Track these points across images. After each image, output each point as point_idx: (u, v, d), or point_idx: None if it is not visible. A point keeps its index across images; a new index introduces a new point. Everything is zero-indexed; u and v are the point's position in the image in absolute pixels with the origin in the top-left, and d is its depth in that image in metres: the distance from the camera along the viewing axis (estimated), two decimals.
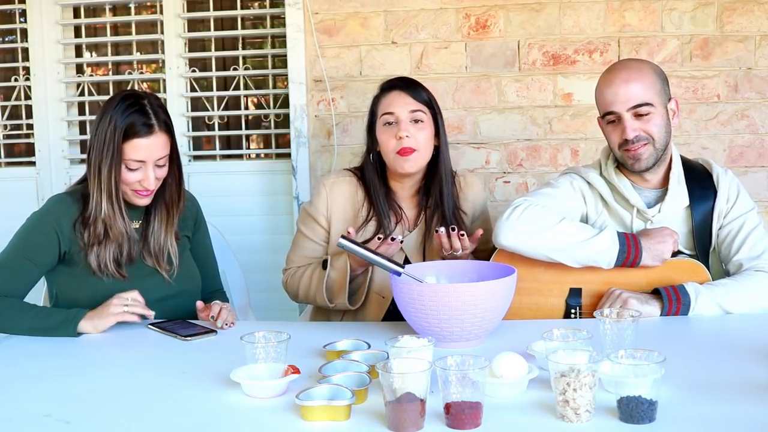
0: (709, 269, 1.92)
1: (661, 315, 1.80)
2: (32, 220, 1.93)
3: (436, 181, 2.13)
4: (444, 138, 2.13)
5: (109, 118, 1.87)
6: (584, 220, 2.03)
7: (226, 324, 1.85)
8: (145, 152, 1.88)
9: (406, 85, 2.12)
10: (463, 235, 1.96)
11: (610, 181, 2.02)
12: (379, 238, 1.97)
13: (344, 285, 2.01)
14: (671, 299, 1.80)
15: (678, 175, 1.99)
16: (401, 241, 2.03)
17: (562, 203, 1.99)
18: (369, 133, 2.16)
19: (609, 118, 1.94)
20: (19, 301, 1.87)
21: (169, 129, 1.93)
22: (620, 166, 2.02)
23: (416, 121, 2.07)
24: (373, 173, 2.13)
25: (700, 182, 2.00)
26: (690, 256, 1.97)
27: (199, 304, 1.92)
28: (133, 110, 1.88)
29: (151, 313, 1.86)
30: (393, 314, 1.98)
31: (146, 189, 1.91)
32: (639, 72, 1.92)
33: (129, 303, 1.83)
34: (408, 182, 2.15)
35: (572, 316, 1.92)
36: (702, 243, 1.97)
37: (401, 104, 2.08)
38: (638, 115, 1.90)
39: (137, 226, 1.98)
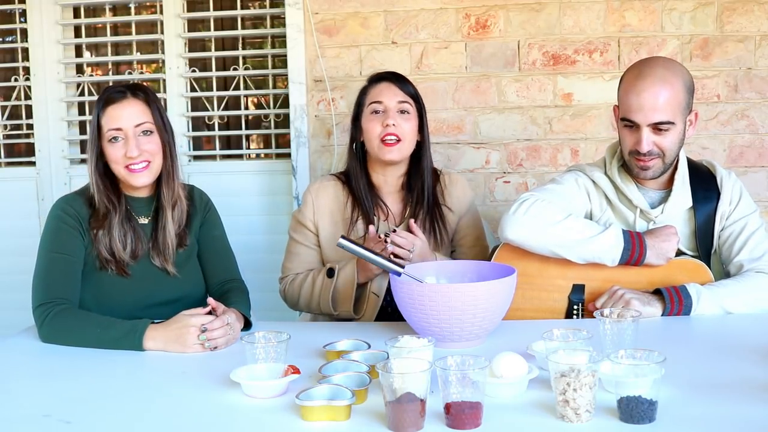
0: (710, 270, 1.92)
1: (662, 315, 1.81)
2: (53, 220, 1.89)
3: (419, 176, 2.16)
4: (426, 134, 2.17)
5: (95, 106, 1.94)
6: (588, 217, 2.03)
7: (211, 347, 1.70)
8: (121, 118, 1.88)
9: (395, 78, 2.17)
10: (394, 231, 1.97)
11: (614, 181, 2.01)
12: (380, 236, 1.98)
13: (350, 295, 2.02)
14: (673, 300, 1.80)
15: (683, 176, 1.99)
16: (390, 233, 2.00)
17: (567, 200, 1.99)
18: (354, 123, 2.19)
19: (626, 123, 1.92)
20: (81, 313, 1.81)
21: (147, 99, 1.92)
22: (625, 165, 2.01)
23: (403, 111, 2.11)
24: (355, 162, 2.16)
25: (704, 184, 1.99)
26: (692, 257, 1.97)
27: (211, 301, 1.80)
28: (109, 89, 1.94)
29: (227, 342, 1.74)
30: (385, 311, 2.03)
31: (132, 160, 1.87)
32: (670, 87, 1.86)
33: (208, 337, 1.70)
34: (391, 175, 2.16)
35: (575, 312, 1.93)
36: (704, 244, 1.97)
37: (390, 94, 2.12)
38: (657, 130, 1.88)
39: (146, 221, 1.96)
